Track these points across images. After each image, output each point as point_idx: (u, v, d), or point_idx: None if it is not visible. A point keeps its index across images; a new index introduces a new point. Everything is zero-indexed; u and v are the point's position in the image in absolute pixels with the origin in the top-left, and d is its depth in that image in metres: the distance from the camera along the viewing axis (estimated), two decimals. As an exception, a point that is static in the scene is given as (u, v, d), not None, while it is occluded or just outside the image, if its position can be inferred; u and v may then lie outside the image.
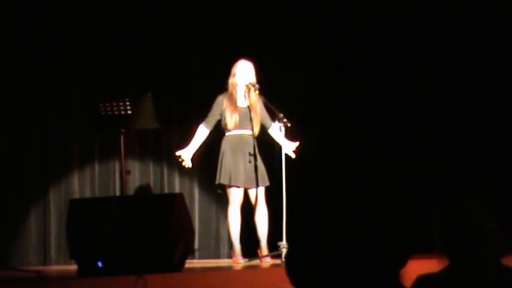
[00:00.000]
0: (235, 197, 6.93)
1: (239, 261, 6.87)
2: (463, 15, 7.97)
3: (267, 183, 6.91)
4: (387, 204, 2.15)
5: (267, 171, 6.93)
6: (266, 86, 6.97)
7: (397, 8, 8.15)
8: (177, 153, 6.99)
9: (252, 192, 6.94)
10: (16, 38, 7.55)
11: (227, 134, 6.97)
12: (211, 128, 6.98)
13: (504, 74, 7.85)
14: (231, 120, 6.91)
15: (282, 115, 6.73)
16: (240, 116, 6.90)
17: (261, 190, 6.91)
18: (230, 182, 6.88)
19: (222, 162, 6.92)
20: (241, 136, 6.92)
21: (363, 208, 2.12)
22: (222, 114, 6.95)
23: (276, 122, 6.81)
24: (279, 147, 6.84)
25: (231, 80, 6.98)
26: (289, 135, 6.82)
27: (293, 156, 6.92)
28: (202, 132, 7.00)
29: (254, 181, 6.84)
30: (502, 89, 7.86)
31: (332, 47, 8.25)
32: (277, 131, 6.89)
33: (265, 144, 7.04)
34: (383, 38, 8.19)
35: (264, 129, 7.01)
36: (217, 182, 6.93)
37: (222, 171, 6.90)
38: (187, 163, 6.96)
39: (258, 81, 6.92)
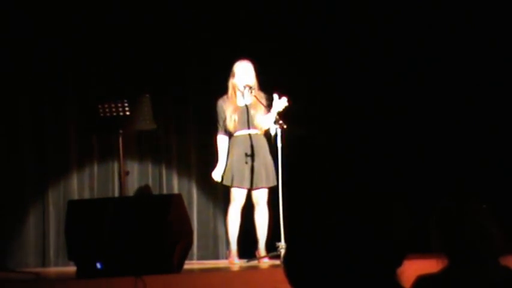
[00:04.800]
0: (237, 197, 6.94)
1: (235, 262, 6.87)
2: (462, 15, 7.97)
3: (275, 183, 6.86)
4: (382, 203, 2.15)
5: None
6: (264, 85, 6.97)
7: (396, 8, 8.15)
8: (215, 179, 7.04)
9: (256, 193, 6.94)
10: (14, 39, 7.55)
11: (235, 134, 6.97)
12: (227, 133, 7.00)
13: (504, 74, 7.85)
14: (230, 121, 6.91)
15: (278, 117, 6.70)
16: (239, 116, 6.90)
17: (265, 191, 6.91)
18: (232, 183, 6.91)
19: (227, 162, 6.97)
20: (248, 136, 6.91)
21: (356, 208, 2.12)
22: (224, 117, 6.96)
23: (272, 124, 6.77)
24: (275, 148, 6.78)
25: (231, 80, 6.98)
26: (285, 136, 6.77)
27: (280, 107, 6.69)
28: (223, 141, 7.05)
29: (260, 181, 6.85)
30: (502, 88, 7.85)
31: (331, 46, 8.25)
32: (272, 132, 6.78)
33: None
34: (383, 36, 8.19)
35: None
36: (220, 180, 7.02)
37: (226, 171, 6.95)
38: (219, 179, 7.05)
39: (258, 81, 6.92)
